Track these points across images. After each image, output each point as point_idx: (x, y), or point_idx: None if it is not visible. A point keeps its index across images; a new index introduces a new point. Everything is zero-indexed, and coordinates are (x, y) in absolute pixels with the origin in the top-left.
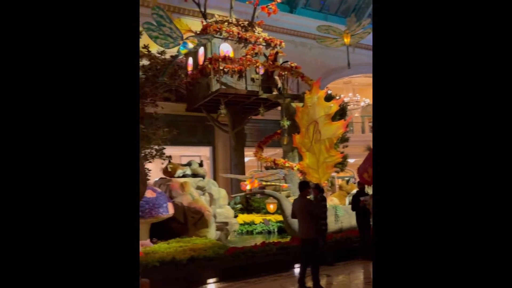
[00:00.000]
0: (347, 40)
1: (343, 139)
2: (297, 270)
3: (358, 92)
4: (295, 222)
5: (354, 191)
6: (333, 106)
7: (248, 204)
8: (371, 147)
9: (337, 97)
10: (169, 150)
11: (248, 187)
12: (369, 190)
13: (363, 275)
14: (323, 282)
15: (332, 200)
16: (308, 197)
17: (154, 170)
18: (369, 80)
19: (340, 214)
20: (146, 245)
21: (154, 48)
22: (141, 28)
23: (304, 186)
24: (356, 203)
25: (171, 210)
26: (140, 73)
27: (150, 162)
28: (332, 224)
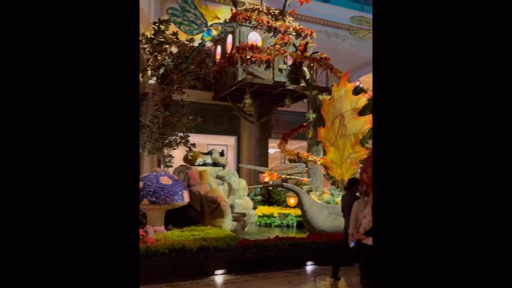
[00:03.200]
0: None
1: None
2: (309, 268)
3: None
4: (313, 218)
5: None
6: (361, 100)
7: (270, 196)
8: None
9: (368, 91)
10: (195, 138)
11: (266, 179)
12: None
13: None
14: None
15: None
16: (356, 194)
17: (179, 157)
18: None
19: None
20: (159, 231)
21: (184, 37)
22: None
23: (353, 183)
24: None
25: (186, 198)
26: (169, 60)
27: (174, 149)
28: None
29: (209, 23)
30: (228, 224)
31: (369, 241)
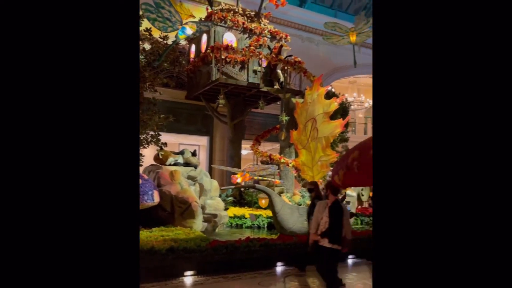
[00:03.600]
0: (353, 38)
1: (343, 139)
2: (279, 268)
3: (362, 93)
4: (284, 219)
5: (349, 192)
6: (332, 105)
7: (241, 198)
8: (349, 148)
9: (340, 96)
10: (166, 137)
11: (238, 180)
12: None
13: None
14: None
15: None
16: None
17: (149, 156)
18: None
19: None
20: None
21: (157, 33)
22: (141, 11)
23: (312, 186)
24: None
25: (156, 198)
26: (141, 56)
27: (145, 148)
28: None
29: (184, 21)
30: (198, 225)
31: (325, 242)
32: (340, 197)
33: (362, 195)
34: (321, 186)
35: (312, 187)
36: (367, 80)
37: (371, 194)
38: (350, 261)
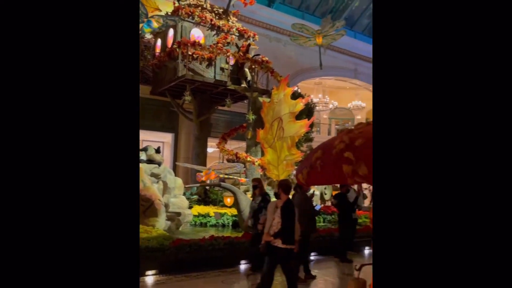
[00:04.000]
0: (319, 40)
1: (308, 139)
2: (243, 266)
3: (327, 94)
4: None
5: (312, 191)
6: (298, 105)
7: (206, 196)
8: (313, 147)
9: (306, 97)
10: None
11: (203, 178)
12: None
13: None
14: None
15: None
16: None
17: None
18: (340, 83)
19: None
20: None
21: None
22: None
23: (255, 183)
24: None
25: None
26: None
27: None
28: None
29: (150, 15)
30: (161, 223)
31: (278, 243)
32: (309, 195)
33: (325, 194)
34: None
35: (256, 184)
36: (332, 82)
37: (333, 193)
38: (312, 258)
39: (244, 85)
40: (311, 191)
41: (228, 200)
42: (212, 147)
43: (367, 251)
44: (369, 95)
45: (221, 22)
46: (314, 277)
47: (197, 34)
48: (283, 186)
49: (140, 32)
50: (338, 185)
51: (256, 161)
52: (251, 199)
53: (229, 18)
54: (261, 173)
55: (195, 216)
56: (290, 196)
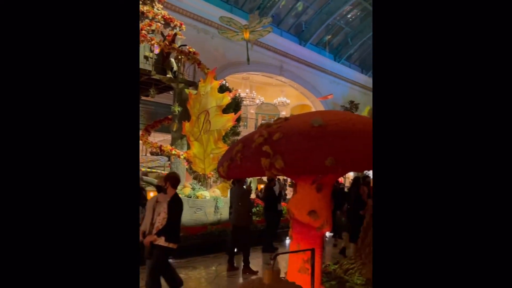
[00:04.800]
0: (246, 35)
1: (234, 133)
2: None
3: (255, 90)
4: None
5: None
6: (226, 98)
7: None
8: (236, 140)
9: (233, 90)
10: None
11: None
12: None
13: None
14: (193, 273)
15: (214, 192)
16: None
17: None
18: (267, 79)
19: (220, 205)
20: None
21: None
22: None
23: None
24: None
25: None
26: None
27: None
28: (211, 215)
29: None
30: None
31: (161, 241)
32: (245, 187)
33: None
34: (212, 178)
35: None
36: (259, 77)
37: (259, 187)
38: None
39: (169, 75)
40: (248, 183)
41: (151, 194)
42: None
43: (287, 241)
44: (294, 92)
45: (145, 8)
46: (255, 272)
47: None
48: (172, 179)
49: None
50: (265, 178)
51: (182, 154)
52: None
53: (154, 4)
54: (187, 166)
55: None
56: (220, 190)
